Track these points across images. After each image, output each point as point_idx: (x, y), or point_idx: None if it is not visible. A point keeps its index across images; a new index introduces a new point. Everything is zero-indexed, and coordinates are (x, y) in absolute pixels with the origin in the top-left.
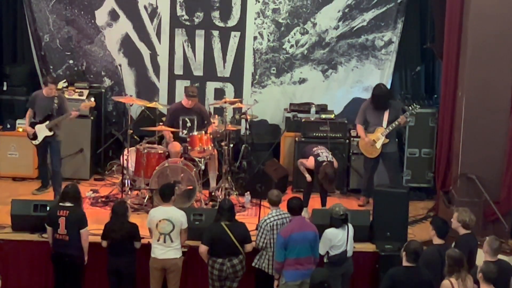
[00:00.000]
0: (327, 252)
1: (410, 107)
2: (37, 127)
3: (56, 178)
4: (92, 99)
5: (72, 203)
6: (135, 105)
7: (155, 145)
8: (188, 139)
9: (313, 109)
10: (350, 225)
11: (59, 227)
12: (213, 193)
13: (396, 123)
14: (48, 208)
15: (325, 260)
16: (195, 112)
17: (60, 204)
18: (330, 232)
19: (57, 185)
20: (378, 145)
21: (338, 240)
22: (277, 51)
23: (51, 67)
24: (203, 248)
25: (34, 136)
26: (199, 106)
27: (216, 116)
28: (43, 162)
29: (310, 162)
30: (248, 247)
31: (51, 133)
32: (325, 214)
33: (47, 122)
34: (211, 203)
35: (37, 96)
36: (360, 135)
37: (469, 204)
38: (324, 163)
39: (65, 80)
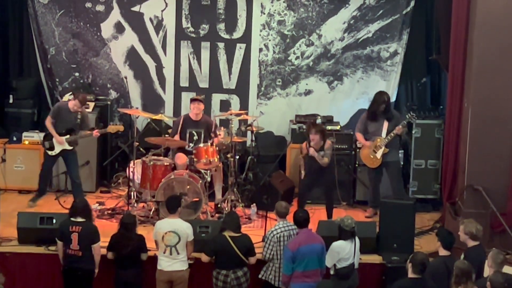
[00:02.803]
0: (334, 265)
1: (407, 116)
2: (60, 138)
3: (77, 189)
4: (121, 123)
5: (84, 218)
6: (141, 117)
7: (161, 157)
8: (194, 151)
9: (319, 121)
10: (356, 238)
11: (71, 243)
12: (219, 205)
13: (394, 132)
14: (54, 221)
15: (331, 272)
16: (202, 125)
17: (72, 219)
18: (337, 245)
19: (80, 196)
20: (378, 155)
21: (346, 253)
22: (283, 63)
23: (57, 80)
24: (205, 258)
25: (51, 147)
26: (206, 119)
27: (222, 128)
28: (48, 172)
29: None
30: (252, 260)
31: (70, 148)
32: (331, 226)
33: (68, 136)
34: (217, 215)
35: (61, 108)
36: (361, 142)
37: (476, 216)
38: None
39: (71, 93)
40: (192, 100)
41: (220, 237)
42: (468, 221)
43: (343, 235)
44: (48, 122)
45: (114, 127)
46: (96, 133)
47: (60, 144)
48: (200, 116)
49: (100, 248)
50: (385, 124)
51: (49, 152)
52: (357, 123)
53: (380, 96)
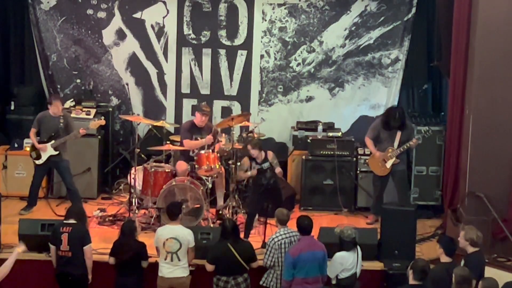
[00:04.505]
0: (336, 275)
1: (423, 130)
2: (42, 145)
3: (73, 197)
4: (102, 117)
5: (76, 220)
6: (142, 124)
7: (163, 164)
8: (195, 158)
9: (320, 127)
10: (358, 247)
11: (61, 244)
12: (220, 212)
13: (408, 145)
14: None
15: (333, 282)
16: (206, 131)
17: (64, 221)
18: (340, 256)
19: (78, 203)
20: (388, 165)
21: (349, 263)
22: (284, 70)
23: (59, 86)
24: (209, 267)
25: (38, 156)
26: (209, 126)
27: (224, 134)
28: (38, 183)
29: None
30: (254, 265)
31: (56, 153)
32: (333, 233)
33: (52, 142)
34: (218, 221)
35: (43, 116)
36: (370, 149)
37: (477, 222)
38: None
39: (72, 99)
40: (199, 111)
41: (221, 244)
42: (468, 228)
43: (345, 246)
44: (31, 132)
45: (96, 123)
46: (82, 130)
47: (44, 151)
48: (204, 123)
49: (93, 253)
50: (398, 134)
51: (37, 162)
52: (369, 129)
53: (393, 112)
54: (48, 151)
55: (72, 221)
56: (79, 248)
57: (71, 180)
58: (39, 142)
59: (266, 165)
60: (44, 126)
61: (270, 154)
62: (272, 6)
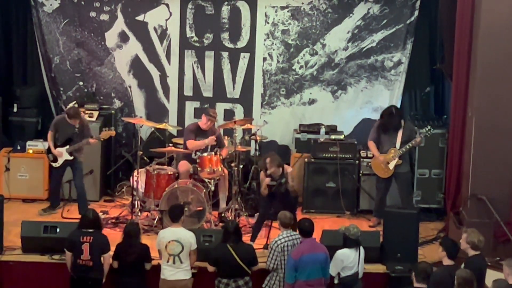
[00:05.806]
0: (338, 274)
1: (424, 129)
2: (58, 150)
3: (80, 199)
4: (113, 128)
5: (94, 228)
6: (145, 126)
7: (165, 166)
8: (198, 160)
9: (322, 130)
10: (361, 247)
11: (82, 253)
12: (222, 214)
13: (410, 144)
14: (58, 230)
15: (335, 281)
16: (210, 135)
17: (83, 230)
18: (342, 253)
19: (85, 206)
20: (391, 166)
21: (350, 261)
22: (287, 72)
23: (61, 88)
24: (211, 268)
25: (54, 159)
26: (213, 129)
27: (226, 137)
28: (57, 185)
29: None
30: (254, 268)
31: (71, 158)
32: (336, 235)
33: (67, 147)
34: (220, 224)
35: (60, 120)
36: (373, 152)
37: (480, 225)
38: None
39: (75, 102)
40: (206, 114)
41: (222, 247)
42: (471, 231)
43: (348, 243)
44: (48, 135)
45: (107, 133)
46: (92, 140)
47: (59, 156)
48: (209, 127)
49: (110, 257)
50: (399, 135)
51: (53, 164)
52: (371, 131)
53: (388, 111)
54: (63, 156)
55: (90, 229)
56: (99, 256)
57: (81, 183)
58: (55, 146)
59: (283, 180)
60: (61, 130)
61: (289, 168)
62: (275, 8)
